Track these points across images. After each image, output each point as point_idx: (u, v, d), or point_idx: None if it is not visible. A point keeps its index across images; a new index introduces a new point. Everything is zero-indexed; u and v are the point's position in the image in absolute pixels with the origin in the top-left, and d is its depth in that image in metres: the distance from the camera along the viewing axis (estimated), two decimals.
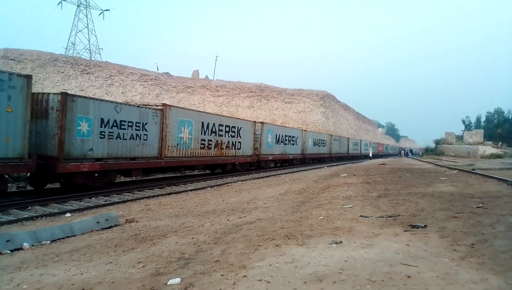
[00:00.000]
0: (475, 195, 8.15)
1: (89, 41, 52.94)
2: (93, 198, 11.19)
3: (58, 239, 6.30)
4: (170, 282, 3.57)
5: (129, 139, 12.98)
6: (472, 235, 4.62)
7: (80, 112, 11.10)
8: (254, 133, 22.81)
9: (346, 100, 74.92)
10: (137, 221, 7.73)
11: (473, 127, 57.71)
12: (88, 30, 53.33)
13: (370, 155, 50.98)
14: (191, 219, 7.47)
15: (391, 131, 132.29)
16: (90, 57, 49.39)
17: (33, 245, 5.84)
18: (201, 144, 17.28)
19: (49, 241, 6.12)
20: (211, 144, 18.05)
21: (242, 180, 17.31)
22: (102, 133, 11.88)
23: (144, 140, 13.68)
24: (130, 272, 4.11)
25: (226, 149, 19.43)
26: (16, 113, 9.35)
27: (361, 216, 6.25)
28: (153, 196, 12.04)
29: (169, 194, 12.66)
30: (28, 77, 9.79)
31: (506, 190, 9.06)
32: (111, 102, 13.18)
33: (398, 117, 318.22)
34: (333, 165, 30.60)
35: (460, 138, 52.09)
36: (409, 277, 3.21)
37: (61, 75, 33.99)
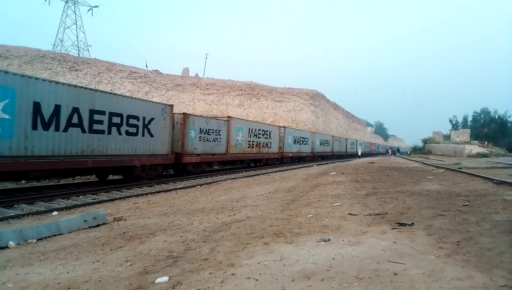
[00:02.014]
0: (461, 194, 8.26)
1: (77, 37, 52.34)
2: (80, 196, 11.06)
3: (45, 237, 6.20)
4: (158, 280, 3.54)
5: (212, 141, 19.01)
6: (458, 232, 4.68)
7: (191, 124, 17.22)
8: (279, 135, 28.37)
9: (336, 99, 75.35)
10: (125, 220, 7.66)
11: (460, 127, 58.58)
12: (76, 26, 52.71)
13: (359, 154, 52.26)
14: (180, 218, 7.43)
15: (380, 130, 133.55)
16: (78, 54, 48.76)
17: (19, 244, 5.74)
18: (248, 144, 23.18)
19: (35, 240, 6.02)
20: (253, 144, 23.96)
21: (232, 178, 17.32)
22: (200, 137, 17.93)
23: (219, 141, 19.70)
24: (117, 270, 4.07)
25: (262, 148, 25.35)
26: (166, 127, 15.50)
27: (349, 214, 6.29)
28: (142, 195, 11.95)
29: (158, 192, 12.59)
30: (172, 106, 16.03)
31: (492, 188, 9.20)
32: (204, 117, 19.71)
33: (387, 117, 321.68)
34: (322, 164, 30.82)
35: (447, 137, 52.85)
36: (396, 274, 3.24)
37: (49, 72, 33.44)
